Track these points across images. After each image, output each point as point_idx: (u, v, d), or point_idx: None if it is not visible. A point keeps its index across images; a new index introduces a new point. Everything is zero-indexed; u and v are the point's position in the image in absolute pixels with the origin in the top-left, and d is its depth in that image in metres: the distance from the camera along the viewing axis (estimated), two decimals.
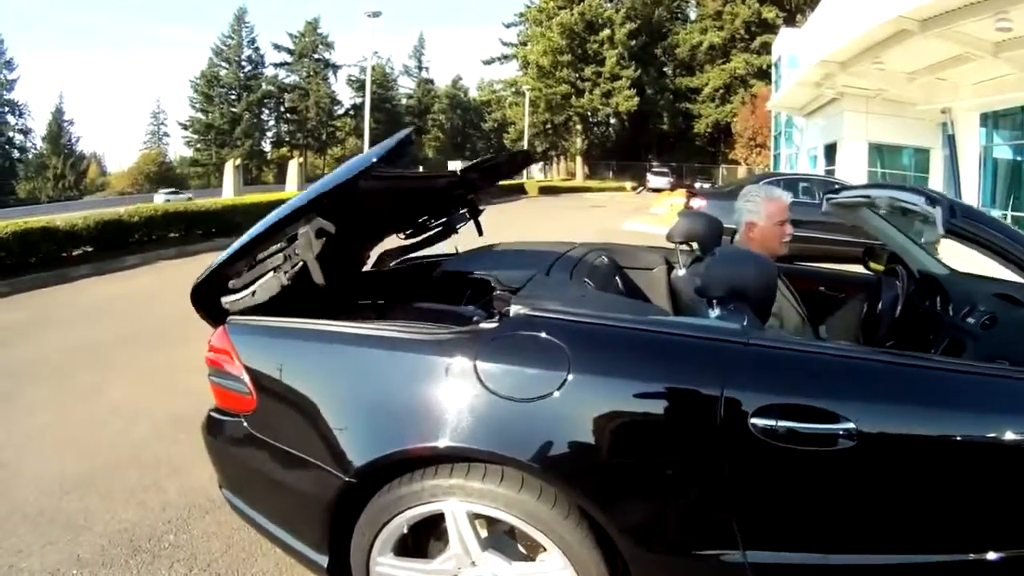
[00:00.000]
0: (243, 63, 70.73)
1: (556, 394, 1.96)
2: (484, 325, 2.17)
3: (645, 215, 24.48)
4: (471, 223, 3.90)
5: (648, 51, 60.85)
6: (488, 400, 2.02)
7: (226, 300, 2.52)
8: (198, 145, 70.49)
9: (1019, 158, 16.12)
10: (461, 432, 2.03)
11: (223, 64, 70.73)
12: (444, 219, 3.77)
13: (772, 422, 1.89)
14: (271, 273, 2.45)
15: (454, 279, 3.38)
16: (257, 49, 71.44)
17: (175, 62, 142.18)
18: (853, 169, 21.54)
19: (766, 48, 50.94)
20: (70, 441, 4.41)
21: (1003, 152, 16.60)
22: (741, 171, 53.35)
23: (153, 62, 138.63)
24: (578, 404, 1.98)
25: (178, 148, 77.05)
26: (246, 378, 2.36)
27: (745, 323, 2.23)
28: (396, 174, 3.13)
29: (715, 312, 2.40)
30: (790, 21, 50.06)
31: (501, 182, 4.73)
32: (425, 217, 3.76)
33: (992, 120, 16.38)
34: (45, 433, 4.55)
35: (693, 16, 63.10)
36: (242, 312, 2.51)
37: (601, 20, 56.93)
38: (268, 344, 2.41)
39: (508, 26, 65.52)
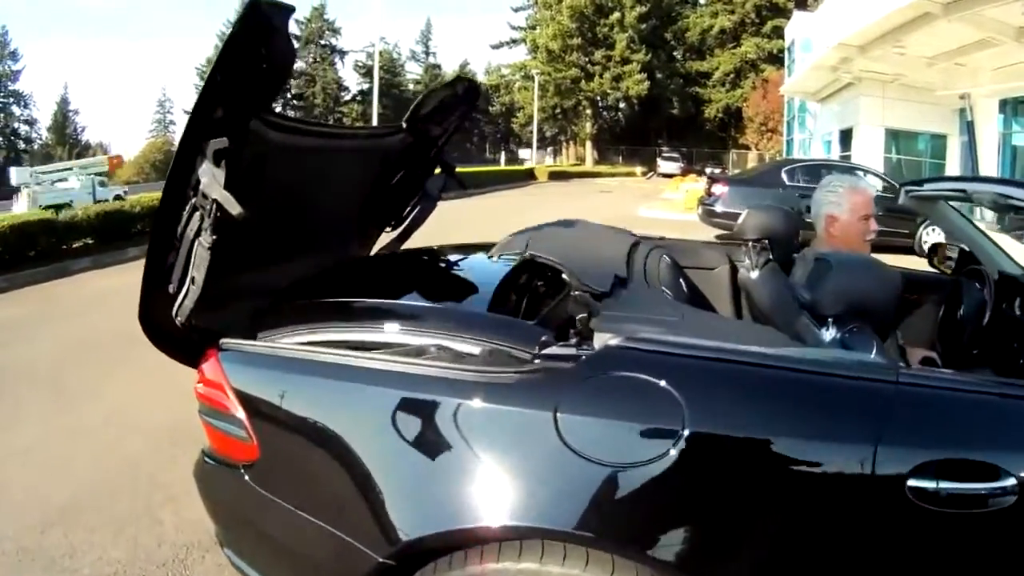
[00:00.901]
0: None
1: (666, 456, 1.56)
2: (564, 362, 1.73)
3: (659, 200, 24.39)
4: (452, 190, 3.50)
5: (658, 34, 60.32)
6: (574, 463, 1.59)
7: (176, 311, 2.08)
8: None
9: None
10: (536, 505, 1.63)
11: None
12: (419, 189, 3.39)
13: (932, 483, 1.52)
14: (196, 243, 1.99)
15: (485, 272, 2.86)
16: None
17: (181, 49, 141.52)
18: (869, 155, 21.24)
19: (777, 32, 50.57)
20: (57, 460, 4.16)
21: (1022, 139, 16.41)
22: (752, 156, 53.07)
23: (159, 50, 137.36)
24: (695, 469, 1.58)
25: None
26: (246, 421, 1.96)
27: (875, 351, 1.89)
28: (320, 128, 2.77)
29: (829, 333, 2.05)
30: (801, 4, 49.56)
31: (465, 127, 4.00)
32: (397, 193, 3.34)
33: (1012, 106, 16.15)
34: (31, 450, 4.30)
35: (703, 0, 62.54)
36: (216, 321, 2.12)
37: (611, 3, 56.40)
38: (276, 379, 1.98)
39: (517, 10, 64.90)
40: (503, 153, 66.61)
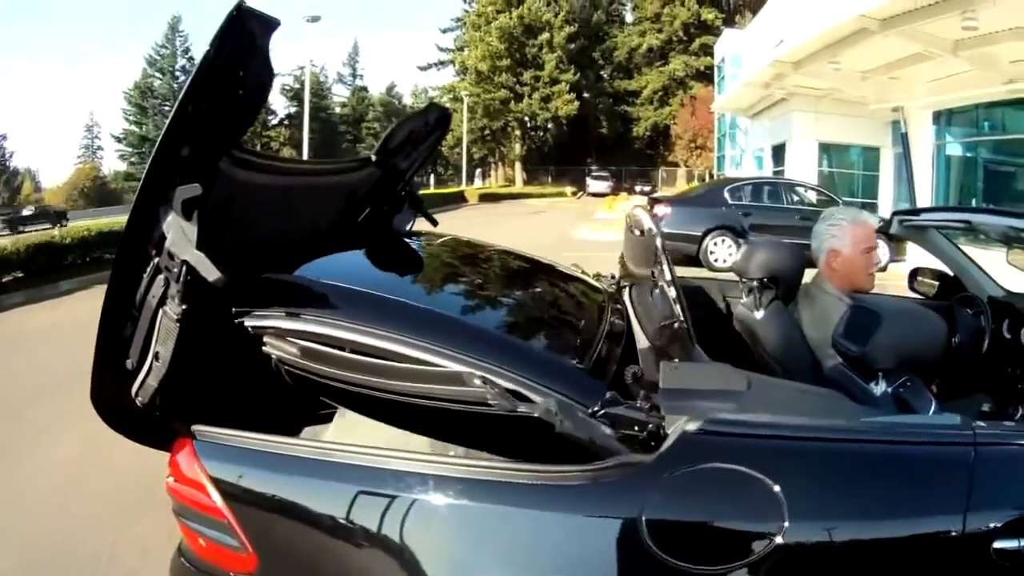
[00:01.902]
0: (177, 73, 68.49)
1: (769, 552, 1.42)
2: (640, 455, 1.52)
3: (592, 221, 24.61)
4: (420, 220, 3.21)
5: (586, 54, 61.11)
6: (667, 574, 1.43)
7: (137, 392, 1.76)
8: (132, 159, 68.01)
9: (971, 155, 16.44)
10: None
11: (156, 75, 68.78)
12: (389, 224, 3.10)
13: (1016, 543, 1.46)
14: (160, 313, 1.68)
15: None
16: (191, 59, 68.70)
17: (109, 73, 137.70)
18: (802, 169, 21.77)
19: (705, 49, 51.89)
20: None
21: (955, 149, 16.89)
22: (681, 173, 54.07)
23: (87, 73, 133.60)
24: (801, 560, 1.46)
25: (112, 162, 74.41)
26: (237, 528, 1.69)
27: (933, 405, 1.87)
28: (286, 164, 2.46)
29: (880, 388, 1.99)
30: (729, 22, 51.00)
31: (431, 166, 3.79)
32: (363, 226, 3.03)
33: (945, 118, 16.64)
34: None
35: (630, 19, 63.63)
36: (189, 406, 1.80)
37: (540, 24, 56.84)
38: (273, 482, 1.70)
39: (445, 31, 64.95)
40: (432, 176, 66.59)
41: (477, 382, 1.62)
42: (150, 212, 1.59)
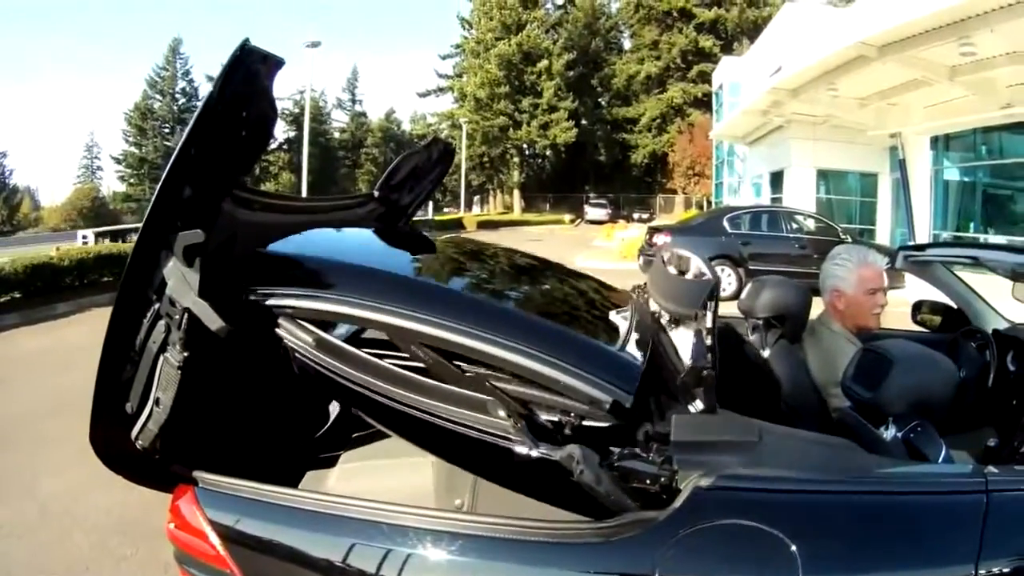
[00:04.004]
0: (177, 95, 68.96)
1: None
2: (653, 511, 1.50)
3: (591, 249, 24.67)
4: None
5: (585, 82, 61.53)
6: None
7: (137, 435, 1.74)
8: (131, 180, 68.07)
9: (969, 179, 16.52)
10: None
11: (157, 96, 68.97)
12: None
13: None
14: (161, 359, 1.65)
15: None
16: (191, 81, 69.73)
17: (110, 93, 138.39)
18: (800, 196, 21.83)
19: (703, 77, 52.26)
20: None
21: (953, 174, 16.97)
22: (678, 200, 54.21)
23: (88, 93, 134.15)
24: None
25: (112, 183, 74.49)
26: None
27: (943, 451, 1.86)
28: (287, 201, 2.41)
29: (890, 432, 1.97)
30: (727, 50, 51.37)
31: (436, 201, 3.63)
32: None
33: (943, 143, 16.74)
34: None
35: (629, 46, 64.12)
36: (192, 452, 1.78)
37: (539, 51, 57.23)
38: (275, 532, 1.68)
39: (444, 58, 65.27)
40: (431, 203, 66.60)
41: (502, 413, 1.59)
42: (151, 256, 1.57)
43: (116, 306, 1.62)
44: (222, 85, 1.54)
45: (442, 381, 1.68)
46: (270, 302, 1.77)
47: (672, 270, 2.51)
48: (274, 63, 1.68)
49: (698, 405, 1.75)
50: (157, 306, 1.61)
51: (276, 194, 2.14)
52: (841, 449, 1.97)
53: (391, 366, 1.72)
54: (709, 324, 1.94)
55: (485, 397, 1.62)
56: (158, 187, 1.53)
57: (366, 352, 1.75)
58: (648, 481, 1.52)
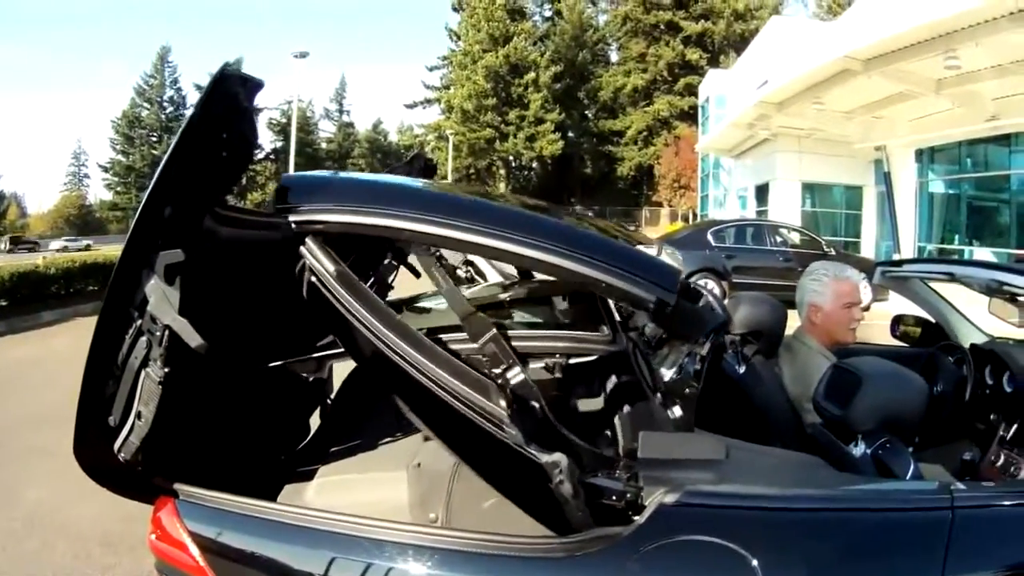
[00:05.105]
0: (165, 104, 68.70)
1: None
2: (618, 527, 1.50)
3: None
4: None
5: (572, 94, 61.69)
6: None
7: (119, 448, 1.73)
8: (118, 188, 67.67)
9: (954, 191, 16.68)
10: None
11: (145, 105, 68.64)
12: (370, 276, 2.96)
13: None
14: (143, 374, 1.66)
15: None
16: (179, 90, 69.41)
17: (98, 101, 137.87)
18: (785, 208, 22.04)
19: (690, 89, 52.53)
20: None
21: (938, 187, 17.15)
22: (664, 213, 54.37)
23: (76, 100, 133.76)
24: None
25: (99, 191, 73.88)
26: None
27: (912, 467, 1.86)
28: (268, 218, 2.45)
29: (859, 449, 1.98)
30: (714, 63, 51.71)
31: None
32: None
33: (928, 155, 16.94)
34: None
35: (616, 59, 64.44)
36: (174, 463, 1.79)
37: (526, 63, 57.45)
38: (254, 545, 1.71)
39: (432, 69, 65.28)
40: None
41: (503, 403, 1.57)
42: (133, 274, 1.57)
43: (99, 322, 1.62)
44: (202, 107, 1.56)
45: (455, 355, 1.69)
46: (298, 217, 1.74)
47: None
48: (254, 85, 1.69)
49: (676, 412, 1.79)
50: (139, 323, 1.61)
51: (259, 211, 2.11)
52: (808, 466, 1.96)
53: (405, 322, 1.71)
54: (704, 352, 1.94)
55: (489, 381, 1.63)
56: (140, 207, 1.53)
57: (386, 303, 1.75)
58: (615, 497, 1.53)
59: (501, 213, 1.91)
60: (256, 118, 1.76)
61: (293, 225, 1.74)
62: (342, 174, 2.13)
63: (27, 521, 4.09)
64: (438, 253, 2.06)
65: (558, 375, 2.05)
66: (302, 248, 1.76)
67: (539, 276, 2.59)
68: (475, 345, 1.73)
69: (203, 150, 1.59)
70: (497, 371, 1.70)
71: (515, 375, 1.69)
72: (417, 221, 1.67)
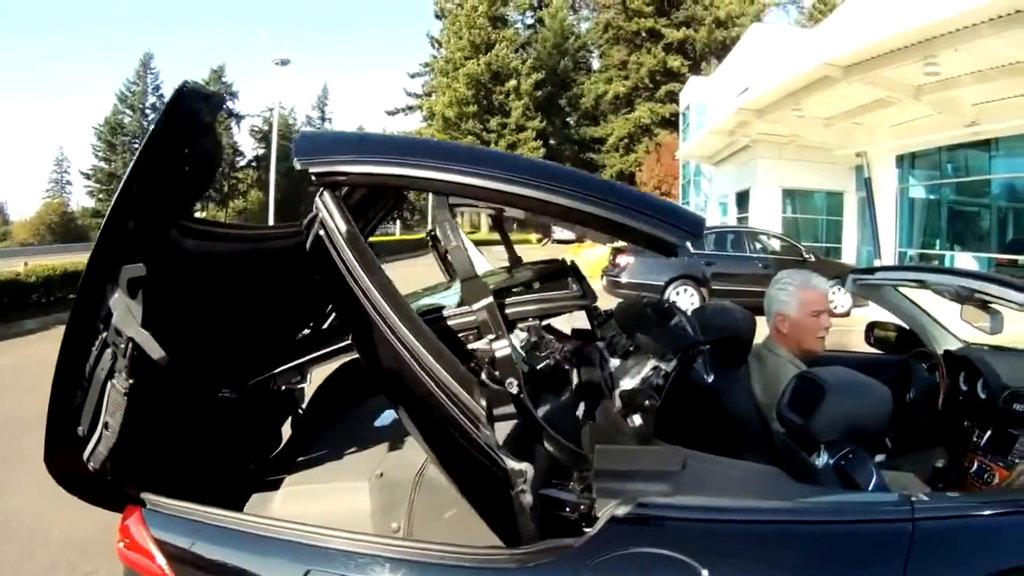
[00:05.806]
0: (147, 110, 68.15)
1: None
2: (570, 539, 1.51)
3: None
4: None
5: (553, 102, 62.09)
6: None
7: (88, 457, 1.79)
8: (100, 195, 66.97)
9: (935, 197, 16.76)
10: None
11: (127, 111, 68.47)
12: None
13: None
14: (108, 386, 1.72)
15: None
16: (161, 96, 68.43)
17: (80, 107, 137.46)
18: (766, 215, 22.07)
19: (671, 97, 52.77)
20: None
21: (918, 192, 17.24)
22: None
23: (58, 106, 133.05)
24: None
25: (81, 198, 73.26)
26: None
27: (875, 477, 1.84)
28: (238, 231, 2.45)
29: (822, 460, 1.96)
30: (695, 69, 51.95)
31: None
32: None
33: (908, 161, 17.02)
34: None
35: (597, 66, 64.66)
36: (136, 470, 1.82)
37: (507, 71, 57.73)
38: (220, 554, 1.72)
39: (413, 76, 65.39)
40: (398, 222, 66.63)
41: (483, 402, 1.53)
42: (98, 288, 1.61)
43: (67, 334, 1.66)
44: (162, 124, 1.59)
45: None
46: (319, 168, 1.72)
47: (655, 315, 2.52)
48: (216, 101, 1.74)
49: (636, 421, 1.82)
50: (104, 335, 1.66)
51: (228, 223, 2.14)
52: (768, 478, 1.94)
53: (407, 301, 1.71)
54: (670, 368, 2.01)
55: (474, 378, 1.61)
56: (104, 222, 1.56)
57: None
58: (568, 509, 1.58)
59: (526, 163, 1.92)
60: (218, 134, 1.82)
61: (313, 177, 1.71)
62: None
63: (5, 528, 4.11)
64: (454, 211, 2.06)
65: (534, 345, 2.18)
66: (318, 200, 1.74)
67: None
68: (468, 309, 1.81)
69: (165, 165, 1.61)
70: (484, 342, 1.77)
71: (501, 348, 1.78)
72: (442, 170, 1.68)
